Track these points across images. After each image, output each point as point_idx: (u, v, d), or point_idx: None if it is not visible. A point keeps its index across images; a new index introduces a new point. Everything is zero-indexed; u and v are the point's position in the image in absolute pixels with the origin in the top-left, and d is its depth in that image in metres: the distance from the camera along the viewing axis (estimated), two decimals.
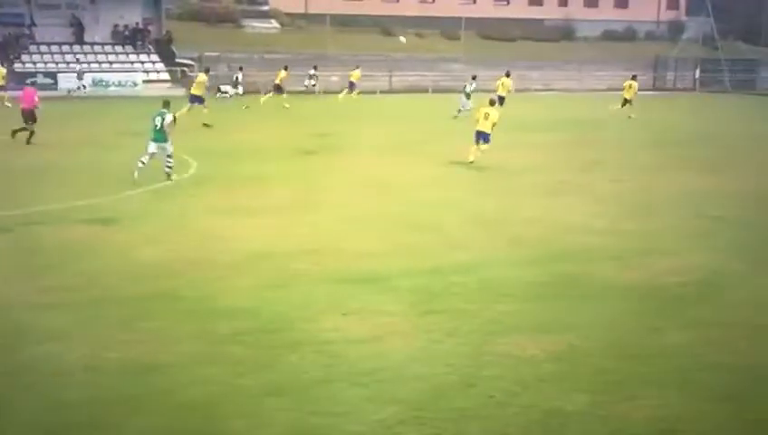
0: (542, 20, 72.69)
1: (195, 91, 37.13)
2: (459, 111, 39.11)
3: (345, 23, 63.65)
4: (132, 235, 16.51)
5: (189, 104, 36.13)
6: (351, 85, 51.12)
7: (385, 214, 18.75)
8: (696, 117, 45.66)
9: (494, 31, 68.38)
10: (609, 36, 73.60)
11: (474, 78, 41.57)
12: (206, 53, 54.33)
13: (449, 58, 60.81)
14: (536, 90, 57.69)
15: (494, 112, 25.76)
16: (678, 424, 8.77)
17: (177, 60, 55.67)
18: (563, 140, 32.44)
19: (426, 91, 57.04)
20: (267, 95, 45.05)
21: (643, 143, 31.84)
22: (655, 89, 64.23)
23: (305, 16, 66.49)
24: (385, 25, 66.25)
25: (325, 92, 51.78)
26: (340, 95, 49.41)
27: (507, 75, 42.56)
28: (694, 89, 64.35)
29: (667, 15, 79.30)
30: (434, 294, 12.96)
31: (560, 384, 9.67)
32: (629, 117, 39.43)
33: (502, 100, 37.15)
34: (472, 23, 65.78)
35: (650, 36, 76.02)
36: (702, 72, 66.58)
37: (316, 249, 15.44)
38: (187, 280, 13.39)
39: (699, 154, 29.64)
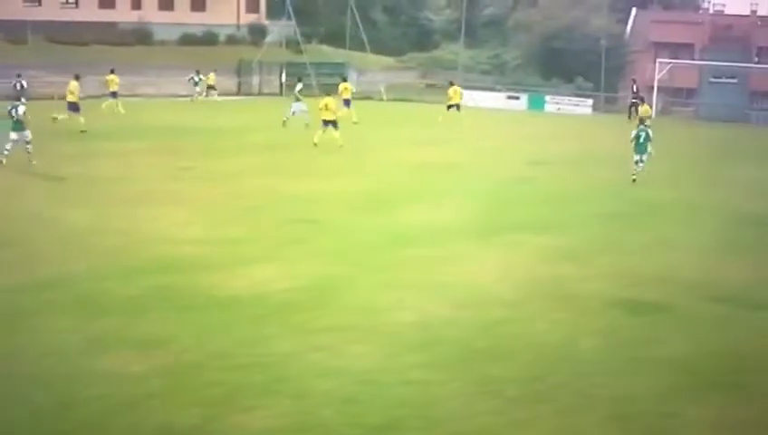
0: (115, 23, 72.09)
1: (71, 98, 37.49)
2: (293, 113, 40.50)
3: None
4: None
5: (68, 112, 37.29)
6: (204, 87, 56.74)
7: None
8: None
9: (63, 35, 66.83)
10: (189, 40, 74.34)
11: (300, 80, 44.45)
12: None
13: (17, 64, 58.72)
14: (123, 95, 57.24)
15: (333, 101, 34.12)
16: (299, 432, 9.20)
17: None
18: (152, 147, 32.47)
19: None
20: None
21: (234, 149, 32.82)
22: (240, 93, 66.15)
23: None
24: None
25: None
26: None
27: (344, 80, 46.17)
28: (280, 93, 66.75)
29: (248, 19, 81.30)
30: (27, 313, 12.77)
31: (170, 399, 9.82)
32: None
33: (348, 102, 43.27)
34: (39, 26, 63.99)
35: (232, 40, 77.57)
36: (288, 76, 69.08)
37: None
38: None
39: (284, 158, 30.91)
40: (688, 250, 18.55)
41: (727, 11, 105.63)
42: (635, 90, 55.19)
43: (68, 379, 10.37)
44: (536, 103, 62.14)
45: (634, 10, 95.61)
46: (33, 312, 12.80)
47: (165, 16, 75.50)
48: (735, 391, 10.69)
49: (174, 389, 10.15)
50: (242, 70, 68.95)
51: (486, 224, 20.65)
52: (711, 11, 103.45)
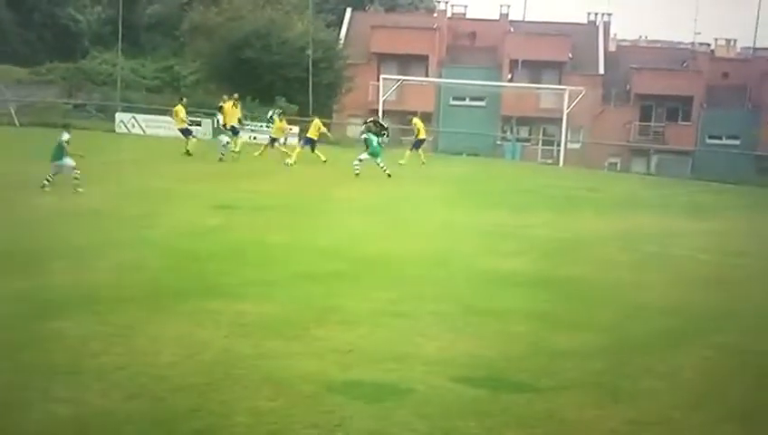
0: None
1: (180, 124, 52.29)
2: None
3: None
4: None
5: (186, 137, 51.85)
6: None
7: None
8: None
9: None
10: None
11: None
12: None
13: None
14: None
15: (318, 123, 52.26)
16: None
17: None
18: None
19: None
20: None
21: None
22: None
23: None
24: None
25: None
26: None
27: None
28: None
29: None
30: None
31: None
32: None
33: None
34: None
35: None
36: None
37: None
38: None
39: None
40: (428, 317, 18.94)
41: (470, 14, 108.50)
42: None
43: None
44: None
45: (348, 11, 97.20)
46: None
47: None
48: None
49: None
50: None
51: (163, 287, 20.36)
52: (449, 14, 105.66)
